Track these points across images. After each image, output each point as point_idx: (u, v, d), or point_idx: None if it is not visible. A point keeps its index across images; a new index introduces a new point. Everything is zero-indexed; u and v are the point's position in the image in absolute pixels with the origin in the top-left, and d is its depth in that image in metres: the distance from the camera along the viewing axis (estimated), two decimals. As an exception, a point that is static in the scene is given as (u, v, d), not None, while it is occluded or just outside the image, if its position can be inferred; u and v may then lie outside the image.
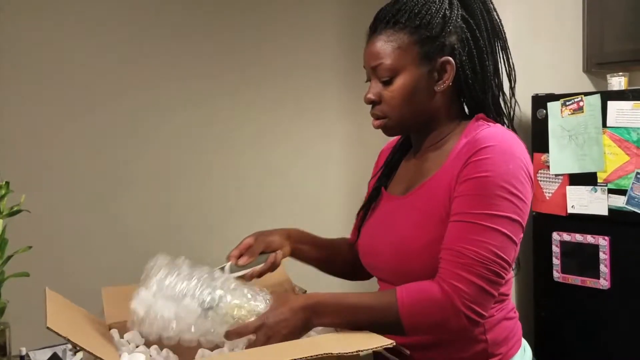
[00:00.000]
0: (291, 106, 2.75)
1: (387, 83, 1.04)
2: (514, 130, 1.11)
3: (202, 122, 2.54)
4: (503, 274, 0.96)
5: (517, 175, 0.97)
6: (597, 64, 2.69)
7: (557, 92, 2.40)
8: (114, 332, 1.05)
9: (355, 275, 1.32)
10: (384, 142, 1.30)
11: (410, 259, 1.03)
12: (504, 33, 1.11)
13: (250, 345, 0.95)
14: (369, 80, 1.09)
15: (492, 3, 1.09)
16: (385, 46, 1.03)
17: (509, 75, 1.11)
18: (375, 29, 1.06)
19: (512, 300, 1.12)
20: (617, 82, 2.39)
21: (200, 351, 1.04)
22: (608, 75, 2.45)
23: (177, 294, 0.96)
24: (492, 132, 1.01)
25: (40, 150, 2.20)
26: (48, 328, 0.77)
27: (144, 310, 0.95)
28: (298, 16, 2.75)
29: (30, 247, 1.37)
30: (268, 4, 2.67)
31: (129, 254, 2.29)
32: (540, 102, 2.41)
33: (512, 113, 1.12)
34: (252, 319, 0.96)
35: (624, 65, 2.57)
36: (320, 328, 1.02)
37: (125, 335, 1.05)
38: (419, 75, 1.03)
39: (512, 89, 1.12)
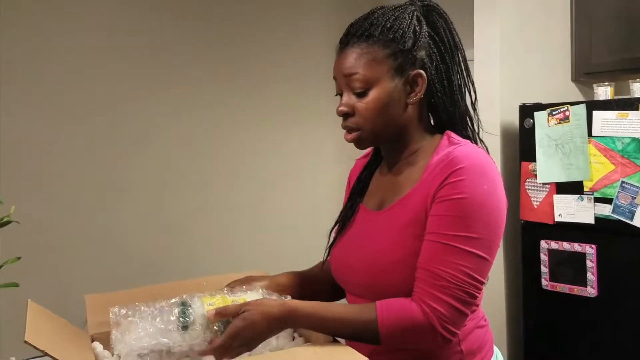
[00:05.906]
0: (282, 116, 2.78)
1: (360, 95, 1.07)
2: (483, 144, 1.14)
3: (190, 133, 2.57)
4: (477, 294, 1.00)
5: (491, 195, 1.00)
6: (585, 73, 2.73)
7: (546, 101, 2.43)
8: (97, 344, 1.06)
9: (335, 297, 1.31)
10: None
11: (384, 274, 1.05)
12: (464, 51, 1.13)
13: (219, 348, 0.97)
14: (339, 93, 1.11)
15: (452, 23, 1.12)
16: (360, 59, 1.05)
17: (469, 91, 1.14)
18: (347, 43, 1.08)
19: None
20: (603, 91, 2.42)
21: None
22: (594, 85, 2.48)
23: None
24: (466, 152, 1.03)
25: (31, 161, 2.23)
26: (26, 342, 0.79)
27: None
28: (292, 26, 2.78)
29: (19, 258, 1.39)
30: (263, 14, 2.69)
31: (120, 262, 2.31)
32: (527, 111, 2.44)
33: (478, 127, 1.14)
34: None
35: (612, 75, 2.60)
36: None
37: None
38: (392, 87, 1.06)
39: (473, 104, 1.15)
